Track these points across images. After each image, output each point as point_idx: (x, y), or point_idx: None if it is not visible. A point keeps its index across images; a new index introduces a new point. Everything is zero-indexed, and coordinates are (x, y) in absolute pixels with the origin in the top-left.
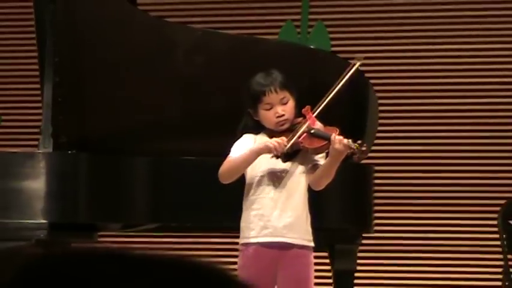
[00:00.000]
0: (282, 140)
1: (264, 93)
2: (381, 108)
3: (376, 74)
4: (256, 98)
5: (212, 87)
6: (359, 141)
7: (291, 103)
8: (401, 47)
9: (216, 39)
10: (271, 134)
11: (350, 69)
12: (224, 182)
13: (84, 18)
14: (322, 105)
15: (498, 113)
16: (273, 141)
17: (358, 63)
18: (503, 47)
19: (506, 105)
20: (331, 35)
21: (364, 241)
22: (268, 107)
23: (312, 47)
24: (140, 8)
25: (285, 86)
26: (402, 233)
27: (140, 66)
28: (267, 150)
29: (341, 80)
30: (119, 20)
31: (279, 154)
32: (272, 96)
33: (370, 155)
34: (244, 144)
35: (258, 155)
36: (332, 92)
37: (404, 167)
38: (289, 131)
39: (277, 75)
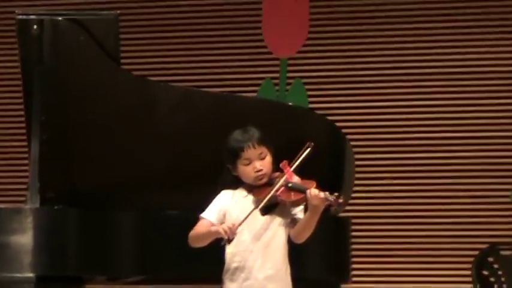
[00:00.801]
0: (233, 225)
1: (242, 149)
2: (357, 162)
3: (352, 129)
4: (234, 154)
5: (194, 144)
6: (336, 194)
7: (269, 158)
8: (377, 103)
9: (197, 97)
10: (250, 188)
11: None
12: (192, 246)
13: (71, 77)
14: (299, 160)
15: (472, 166)
16: (225, 227)
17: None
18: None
19: (478, 159)
20: (309, 92)
21: None
22: (246, 162)
23: (290, 103)
24: (123, 67)
25: (262, 142)
26: (379, 284)
27: (125, 123)
28: (219, 234)
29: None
30: (103, 79)
31: (230, 239)
32: (250, 152)
33: (347, 207)
34: (219, 204)
35: (213, 237)
36: (304, 153)
37: (381, 219)
38: (268, 185)
39: (254, 132)
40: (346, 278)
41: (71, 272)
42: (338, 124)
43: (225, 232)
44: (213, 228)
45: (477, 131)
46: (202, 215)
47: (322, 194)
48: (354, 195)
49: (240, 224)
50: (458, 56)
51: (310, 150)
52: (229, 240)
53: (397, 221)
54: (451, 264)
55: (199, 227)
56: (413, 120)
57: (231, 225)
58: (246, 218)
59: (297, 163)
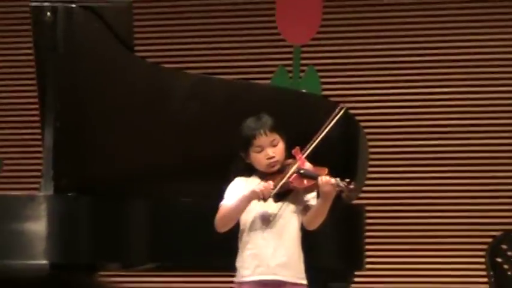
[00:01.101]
0: (269, 184)
1: (254, 137)
2: (371, 149)
3: (366, 116)
4: (247, 142)
5: (208, 131)
6: (347, 180)
7: (281, 145)
8: (391, 90)
9: (211, 85)
10: (263, 176)
11: (337, 114)
12: (221, 231)
13: (85, 65)
14: (311, 147)
15: (485, 154)
16: (260, 186)
17: (343, 109)
18: (482, 90)
19: (493, 147)
20: (322, 79)
21: (356, 278)
22: (258, 149)
23: (303, 91)
24: (137, 54)
25: (274, 129)
26: (393, 271)
27: (138, 111)
28: (255, 195)
29: (328, 124)
30: (117, 67)
31: (266, 198)
32: (262, 139)
33: (361, 195)
34: (236, 189)
35: (249, 202)
36: (320, 134)
37: (395, 207)
38: (280, 172)
39: (267, 119)
40: (360, 266)
41: (84, 260)
42: (351, 111)
43: (262, 191)
44: (247, 193)
45: (491, 118)
46: (222, 203)
47: (333, 180)
48: (367, 182)
49: (275, 185)
50: (476, 43)
51: (324, 135)
52: (265, 199)
53: (411, 209)
54: (464, 251)
55: (225, 207)
56: (427, 108)
57: (266, 184)
58: (281, 182)
59: (308, 150)
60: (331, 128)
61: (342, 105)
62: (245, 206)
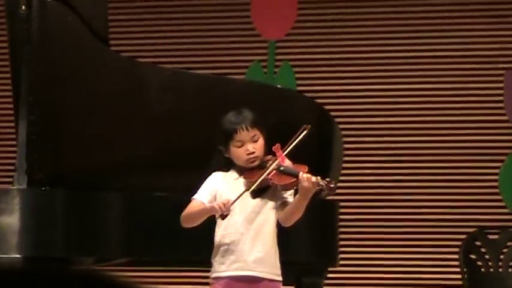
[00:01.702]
0: (228, 201)
1: (235, 131)
2: (345, 145)
3: (341, 112)
4: (227, 136)
5: (182, 125)
6: (327, 179)
7: (261, 141)
8: (366, 86)
9: (185, 79)
10: (241, 171)
11: (299, 135)
12: (184, 226)
13: (59, 58)
14: (292, 145)
15: (460, 150)
16: (219, 203)
17: (306, 130)
18: (460, 87)
19: (465, 143)
20: (297, 75)
21: (329, 274)
22: (239, 144)
23: (278, 86)
24: (112, 48)
25: (255, 124)
26: (366, 267)
27: (113, 104)
28: (214, 211)
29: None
30: (92, 60)
31: (224, 214)
32: (243, 134)
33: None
34: (211, 184)
35: (208, 214)
36: (299, 137)
37: (369, 203)
38: (259, 168)
39: (247, 114)
40: (333, 261)
41: (58, 254)
42: (326, 107)
43: (220, 208)
44: (208, 206)
45: (465, 115)
46: (195, 196)
47: (314, 178)
48: (342, 178)
49: (234, 201)
50: (449, 40)
51: (306, 133)
52: (224, 216)
53: (385, 205)
54: (438, 248)
55: (192, 207)
56: (402, 104)
57: (225, 201)
58: (240, 196)
59: (290, 147)
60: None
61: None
62: (204, 217)
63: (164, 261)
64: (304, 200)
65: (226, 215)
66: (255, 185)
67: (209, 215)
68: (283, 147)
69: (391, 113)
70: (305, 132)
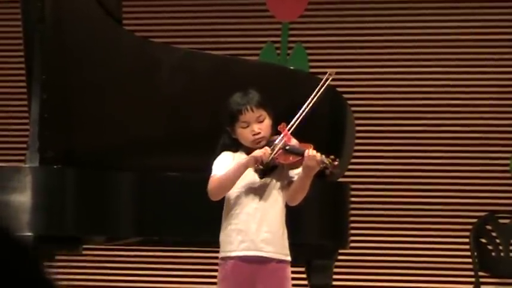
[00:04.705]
0: (266, 149)
1: (240, 112)
2: (358, 128)
3: (354, 95)
4: (233, 117)
5: (194, 106)
6: (331, 156)
7: (267, 121)
8: (379, 69)
9: (198, 59)
10: (249, 151)
11: (323, 84)
12: (214, 199)
13: (72, 37)
14: (297, 122)
15: (471, 134)
16: (258, 152)
17: (330, 77)
18: (473, 70)
19: (477, 127)
20: (310, 57)
21: (340, 257)
22: (245, 125)
23: (291, 67)
24: (125, 28)
25: (261, 105)
26: (377, 250)
27: (125, 84)
28: (254, 160)
29: (314, 96)
30: (105, 39)
31: (265, 163)
32: (248, 115)
33: (347, 173)
34: (225, 161)
35: (246, 168)
36: (305, 107)
37: (380, 186)
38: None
39: (254, 95)
40: (344, 244)
41: (69, 232)
42: (339, 89)
43: (261, 156)
44: (243, 160)
45: (478, 99)
46: (215, 173)
47: (318, 156)
48: (353, 160)
49: (272, 153)
50: (465, 24)
51: (309, 110)
52: (263, 165)
53: (396, 187)
54: (449, 231)
55: (220, 175)
56: (415, 87)
57: (264, 150)
58: (276, 150)
59: (294, 125)
60: (315, 100)
61: (327, 75)
62: (242, 172)
63: (173, 241)
64: (307, 178)
65: (267, 164)
66: (270, 156)
67: (246, 169)
68: (288, 127)
69: (404, 96)
70: (309, 106)
